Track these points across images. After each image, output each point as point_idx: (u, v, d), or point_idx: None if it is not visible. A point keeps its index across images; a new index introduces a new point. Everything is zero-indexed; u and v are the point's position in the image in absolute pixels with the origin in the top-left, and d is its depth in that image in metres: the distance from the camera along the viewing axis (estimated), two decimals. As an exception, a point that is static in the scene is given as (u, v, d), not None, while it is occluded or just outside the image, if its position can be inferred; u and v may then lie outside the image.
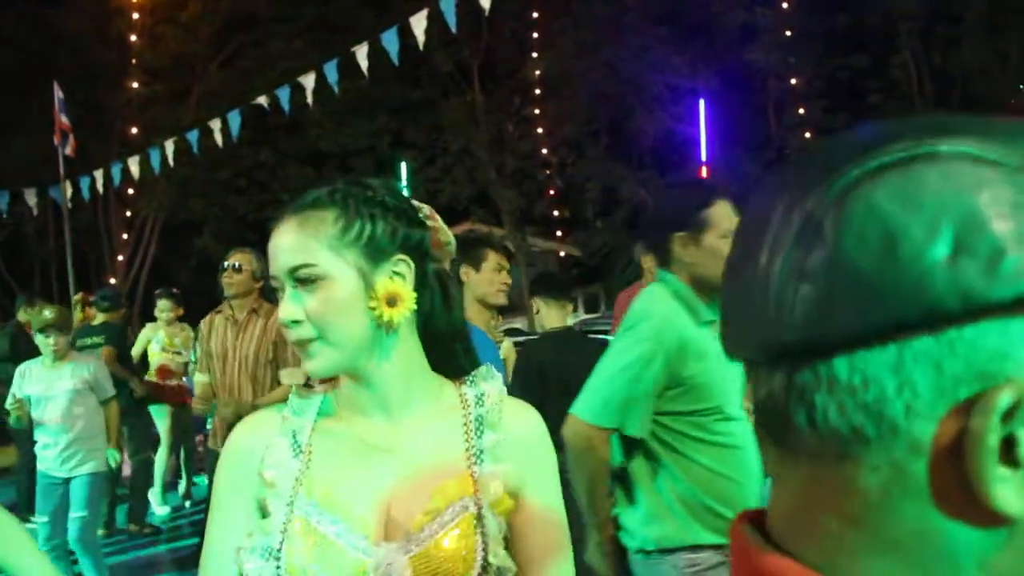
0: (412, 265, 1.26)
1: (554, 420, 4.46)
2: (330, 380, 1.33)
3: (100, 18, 18.44)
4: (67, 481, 5.13)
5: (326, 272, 1.20)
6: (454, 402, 1.32)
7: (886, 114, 19.37)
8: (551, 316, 4.52)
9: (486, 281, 3.43)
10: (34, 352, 5.37)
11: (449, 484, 1.24)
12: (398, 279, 1.24)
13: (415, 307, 1.25)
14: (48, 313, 5.08)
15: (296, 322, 1.21)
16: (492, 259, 3.44)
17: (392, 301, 1.23)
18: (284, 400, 4.40)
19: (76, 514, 5.06)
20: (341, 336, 1.21)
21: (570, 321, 4.72)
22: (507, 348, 6.58)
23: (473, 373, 1.35)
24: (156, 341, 7.65)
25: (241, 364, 4.69)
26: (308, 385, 1.38)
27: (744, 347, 0.49)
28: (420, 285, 1.27)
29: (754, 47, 19.25)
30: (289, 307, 1.21)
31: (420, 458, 1.26)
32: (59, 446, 5.14)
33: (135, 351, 7.58)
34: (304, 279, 1.21)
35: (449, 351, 1.35)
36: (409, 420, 1.28)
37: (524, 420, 1.33)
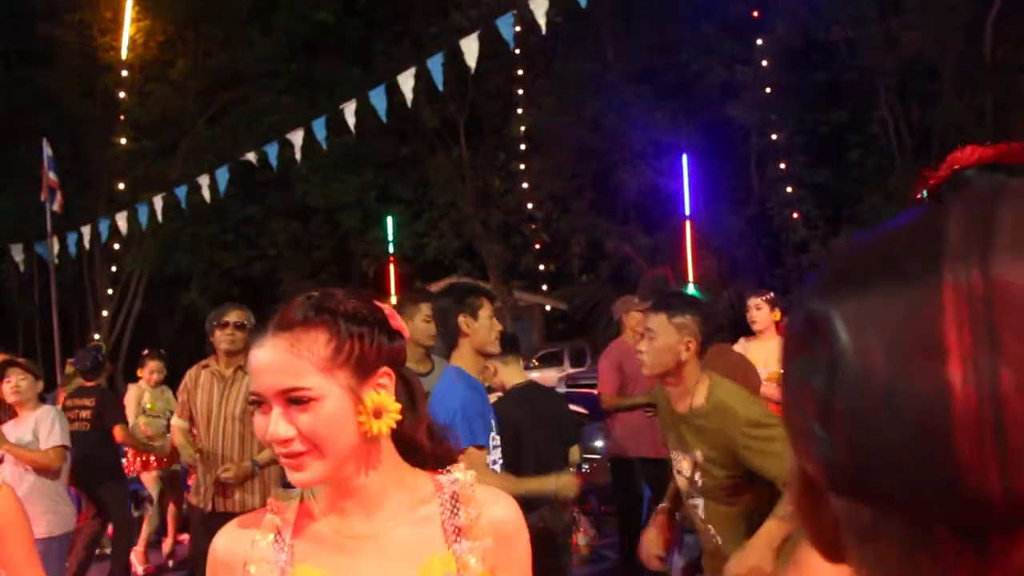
0: (392, 375, 1.30)
1: (530, 475, 4.40)
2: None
3: (87, 75, 18.60)
4: None
5: (319, 394, 1.22)
6: (429, 489, 1.35)
7: (866, 168, 19.69)
8: (513, 373, 4.43)
9: (486, 329, 3.43)
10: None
11: (433, 561, 1.27)
12: (382, 391, 1.27)
13: (399, 417, 1.28)
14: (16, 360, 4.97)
15: (288, 439, 1.22)
16: (487, 307, 3.46)
17: (378, 413, 1.26)
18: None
19: None
20: (333, 451, 1.23)
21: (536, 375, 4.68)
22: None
23: (448, 469, 1.39)
24: (140, 405, 7.60)
25: (228, 421, 4.67)
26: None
27: None
28: (399, 391, 1.31)
29: (735, 103, 19.56)
30: (280, 426, 1.22)
31: (402, 540, 1.29)
32: None
33: (129, 417, 7.47)
34: (295, 400, 1.22)
35: (417, 445, 1.38)
36: (385, 512, 1.31)
37: (500, 506, 1.36)
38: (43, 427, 5.01)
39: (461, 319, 3.42)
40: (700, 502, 3.11)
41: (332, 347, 1.24)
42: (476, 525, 1.31)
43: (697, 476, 3.07)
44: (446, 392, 3.32)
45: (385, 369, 1.29)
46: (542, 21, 7.24)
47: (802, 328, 0.44)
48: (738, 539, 2.94)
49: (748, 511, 2.97)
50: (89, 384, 6.70)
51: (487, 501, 1.34)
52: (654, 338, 3.00)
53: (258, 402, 1.25)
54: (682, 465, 3.15)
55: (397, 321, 1.35)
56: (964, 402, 0.37)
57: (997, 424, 0.36)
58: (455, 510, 1.32)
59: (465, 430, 3.24)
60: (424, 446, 1.39)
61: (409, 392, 1.36)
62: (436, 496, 1.34)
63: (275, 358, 1.22)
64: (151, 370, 7.72)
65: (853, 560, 0.44)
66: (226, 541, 1.33)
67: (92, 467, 6.37)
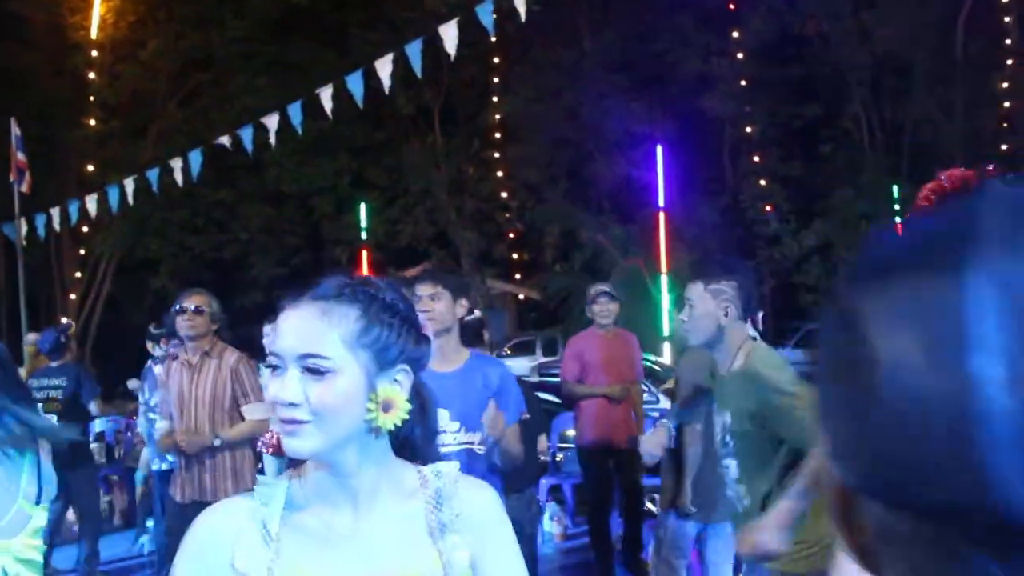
0: (411, 375, 1.31)
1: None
2: (298, 465, 1.35)
3: (56, 54, 18.32)
4: None
5: (337, 367, 1.24)
6: (414, 483, 1.35)
7: (838, 162, 19.85)
8: None
9: None
10: None
11: (419, 561, 1.28)
12: (396, 387, 1.29)
13: (407, 416, 1.29)
14: None
15: (294, 404, 1.23)
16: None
17: (387, 407, 1.27)
18: (247, 434, 4.27)
19: None
20: (334, 428, 1.24)
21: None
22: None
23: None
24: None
25: (199, 407, 4.65)
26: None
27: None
28: (411, 394, 1.32)
29: (710, 95, 19.63)
30: (292, 388, 1.23)
31: (387, 540, 1.29)
32: None
33: None
34: (313, 368, 1.23)
35: (415, 449, 1.40)
36: (374, 508, 1.31)
37: (480, 497, 1.37)
38: None
39: None
40: (732, 463, 3.19)
41: (360, 325, 1.26)
42: (459, 521, 1.32)
43: (727, 438, 3.15)
44: None
45: (404, 366, 1.30)
46: (521, 9, 7.20)
47: (836, 325, 0.40)
48: (767, 502, 3.02)
49: (778, 475, 3.02)
50: (55, 364, 6.49)
51: (468, 496, 1.35)
52: (693, 307, 3.01)
53: (275, 365, 1.26)
54: (716, 429, 3.24)
55: (426, 328, 1.37)
56: (1000, 409, 0.32)
57: None
58: (439, 506, 1.32)
59: None
60: (418, 448, 1.40)
61: (420, 400, 1.36)
62: (420, 491, 1.34)
63: (303, 322, 1.26)
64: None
65: (887, 567, 0.40)
66: (212, 525, 1.30)
67: (61, 450, 6.28)
